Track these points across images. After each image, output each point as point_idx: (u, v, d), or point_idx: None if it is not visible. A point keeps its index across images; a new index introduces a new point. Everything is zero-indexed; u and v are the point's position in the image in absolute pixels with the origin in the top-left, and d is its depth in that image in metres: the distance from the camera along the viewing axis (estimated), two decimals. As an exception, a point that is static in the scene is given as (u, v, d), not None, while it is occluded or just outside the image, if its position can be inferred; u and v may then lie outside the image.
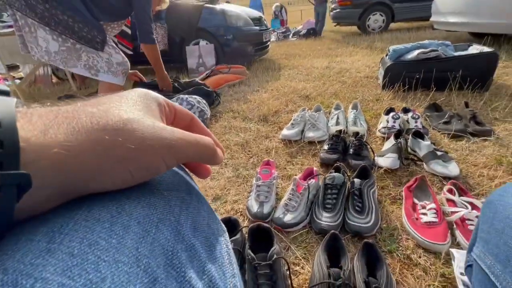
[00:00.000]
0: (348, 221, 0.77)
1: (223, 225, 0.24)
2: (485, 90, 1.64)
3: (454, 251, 0.66)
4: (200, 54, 3.14)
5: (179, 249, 0.18)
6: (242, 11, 3.33)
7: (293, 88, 2.21)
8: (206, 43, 3.18)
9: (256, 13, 3.61)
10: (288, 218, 0.81)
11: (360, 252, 0.64)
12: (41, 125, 0.14)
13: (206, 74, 2.63)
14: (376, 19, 5.44)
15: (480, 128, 1.19)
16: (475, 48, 1.77)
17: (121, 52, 1.39)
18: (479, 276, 0.29)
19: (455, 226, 0.74)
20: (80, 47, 1.25)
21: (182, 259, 0.17)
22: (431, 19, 3.55)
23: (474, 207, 0.76)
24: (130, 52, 3.03)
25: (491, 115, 1.36)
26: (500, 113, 1.37)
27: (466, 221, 0.73)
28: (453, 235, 0.73)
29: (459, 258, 0.63)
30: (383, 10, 5.30)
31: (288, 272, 0.61)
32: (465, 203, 0.77)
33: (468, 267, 0.34)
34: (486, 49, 1.68)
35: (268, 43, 3.79)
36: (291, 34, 6.63)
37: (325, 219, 0.78)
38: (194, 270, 0.18)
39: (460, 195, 0.82)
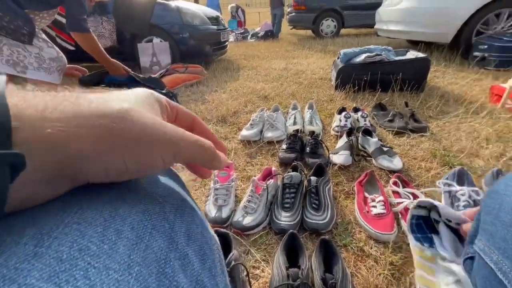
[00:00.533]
0: (306, 219, 0.79)
1: (215, 235, 0.24)
2: (421, 91, 1.84)
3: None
4: (154, 52, 2.97)
5: (172, 258, 0.18)
6: (198, 9, 3.24)
7: (252, 89, 2.22)
8: (160, 41, 3.01)
9: (213, 12, 3.54)
10: (248, 220, 0.79)
11: (317, 249, 0.65)
12: (35, 104, 0.13)
13: (161, 74, 2.49)
14: (328, 25, 5.77)
15: (418, 125, 1.33)
16: (412, 54, 1.98)
17: (55, 47, 1.23)
18: (483, 271, 0.27)
19: (400, 216, 0.81)
20: (0, 39, 1.06)
21: (175, 267, 0.17)
22: (375, 26, 3.90)
23: (415, 197, 0.83)
24: (72, 48, 2.72)
25: (426, 113, 1.53)
26: (433, 111, 1.55)
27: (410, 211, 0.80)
28: (398, 225, 0.79)
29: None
30: (335, 17, 5.65)
31: (247, 278, 0.59)
32: (408, 194, 0.84)
33: (468, 260, 0.31)
34: (420, 54, 1.89)
35: (227, 43, 3.74)
36: (250, 35, 6.68)
37: (284, 218, 0.78)
38: (187, 280, 0.18)
39: (403, 186, 0.90)
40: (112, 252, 0.14)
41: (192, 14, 3.05)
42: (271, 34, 6.24)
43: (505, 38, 2.26)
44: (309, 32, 6.40)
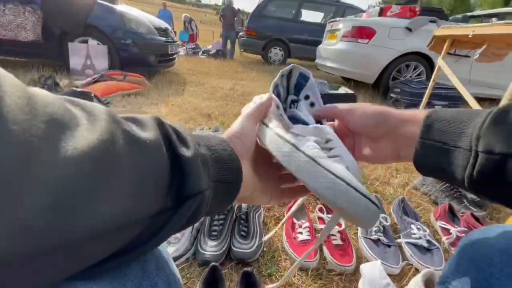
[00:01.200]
0: (233, 248, 0.75)
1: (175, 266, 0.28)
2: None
3: (363, 266, 0.72)
4: (88, 54, 2.68)
5: (145, 285, 0.22)
6: (145, 17, 3.10)
7: (195, 106, 2.16)
8: (98, 43, 2.75)
9: (162, 24, 3.43)
10: (170, 251, 0.72)
11: (239, 282, 0.62)
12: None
13: (94, 79, 2.24)
14: (276, 53, 6.19)
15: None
16: (343, 89, 2.24)
17: None
18: None
19: (323, 242, 0.84)
20: None
21: None
22: (316, 61, 4.34)
23: (337, 223, 0.89)
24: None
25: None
26: (357, 142, 1.74)
27: (331, 236, 0.84)
28: (321, 250, 0.82)
29: (368, 270, 0.70)
30: (282, 46, 6.11)
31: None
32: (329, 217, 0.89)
33: None
34: (349, 91, 2.15)
35: (175, 56, 3.64)
36: (201, 52, 6.68)
37: (210, 248, 0.74)
38: None
39: (327, 212, 0.95)
40: (100, 280, 0.19)
41: (137, 22, 2.90)
42: (222, 53, 6.36)
43: (412, 85, 2.76)
44: (259, 57, 6.75)
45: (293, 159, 0.27)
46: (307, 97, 0.37)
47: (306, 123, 0.33)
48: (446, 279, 0.34)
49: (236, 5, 6.89)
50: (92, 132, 0.15)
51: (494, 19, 3.12)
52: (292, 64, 0.36)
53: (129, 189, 0.16)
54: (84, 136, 0.15)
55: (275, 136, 0.30)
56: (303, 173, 0.26)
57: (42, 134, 0.13)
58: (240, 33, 6.62)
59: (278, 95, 0.35)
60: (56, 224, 0.13)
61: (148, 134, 0.19)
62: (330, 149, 0.29)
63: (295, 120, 0.33)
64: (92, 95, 1.76)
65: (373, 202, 0.25)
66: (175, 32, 7.72)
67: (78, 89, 1.83)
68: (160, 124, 0.21)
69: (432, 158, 0.27)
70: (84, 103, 0.17)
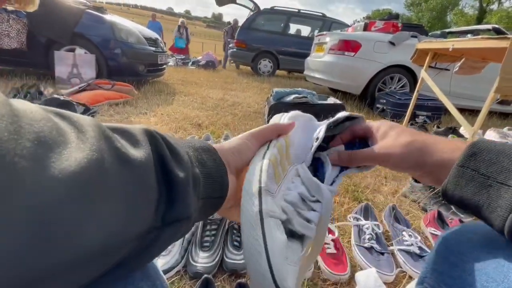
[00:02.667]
0: (226, 259, 0.73)
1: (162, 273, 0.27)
2: (338, 132, 2.11)
3: (358, 274, 0.71)
4: (75, 63, 2.63)
5: None
6: (135, 27, 3.10)
7: (185, 115, 2.14)
8: (85, 52, 2.71)
9: (152, 34, 3.44)
10: (160, 264, 0.69)
11: (233, 295, 0.59)
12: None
13: (80, 87, 2.19)
14: (265, 64, 6.30)
15: (335, 162, 1.48)
16: (331, 100, 2.29)
17: None
18: None
19: (317, 251, 0.83)
20: None
21: None
22: (304, 72, 4.44)
23: (329, 231, 0.88)
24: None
25: (342, 152, 1.73)
26: (347, 150, 1.77)
27: (325, 245, 0.83)
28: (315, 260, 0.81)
29: (364, 279, 0.69)
30: (271, 58, 6.23)
31: None
32: (324, 229, 0.89)
33: None
34: (337, 101, 2.20)
35: (165, 66, 3.64)
36: (191, 63, 6.71)
37: (202, 260, 0.71)
38: None
39: (320, 221, 0.95)
40: None
41: (127, 31, 2.89)
42: (211, 65, 6.41)
43: (397, 96, 2.86)
44: (249, 68, 6.84)
45: (249, 203, 0.25)
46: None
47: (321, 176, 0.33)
48: (424, 278, 0.34)
49: (226, 19, 7.01)
50: (82, 150, 0.14)
51: (469, 35, 3.33)
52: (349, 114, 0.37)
53: (116, 211, 0.15)
54: (73, 155, 0.14)
55: (258, 167, 0.28)
56: (245, 223, 0.25)
57: (28, 155, 0.12)
58: (230, 45, 6.72)
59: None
60: (40, 252, 0.12)
61: (139, 152, 0.18)
62: (310, 209, 0.29)
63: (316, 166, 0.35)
64: (75, 103, 1.71)
65: None
66: (164, 43, 7.70)
67: (61, 97, 1.78)
68: (152, 138, 0.21)
69: (468, 190, 0.25)
70: (73, 116, 0.16)
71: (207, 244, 0.75)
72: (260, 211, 0.24)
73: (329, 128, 0.35)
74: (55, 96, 1.83)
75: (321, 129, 0.35)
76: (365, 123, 0.36)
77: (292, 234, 0.28)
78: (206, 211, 0.26)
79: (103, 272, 0.17)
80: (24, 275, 0.12)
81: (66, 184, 0.13)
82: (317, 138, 0.34)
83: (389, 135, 0.32)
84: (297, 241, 0.28)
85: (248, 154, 0.30)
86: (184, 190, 0.21)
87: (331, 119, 0.35)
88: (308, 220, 0.28)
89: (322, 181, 0.32)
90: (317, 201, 0.29)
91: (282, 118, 0.37)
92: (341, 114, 0.35)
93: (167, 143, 0.22)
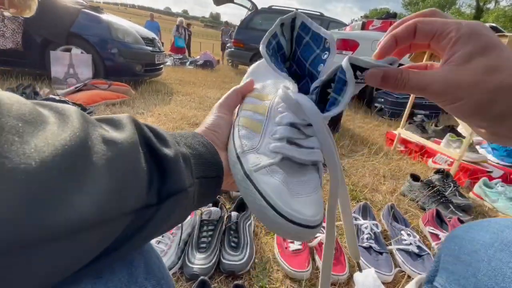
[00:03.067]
0: (223, 260, 0.72)
1: (170, 274, 0.28)
2: (336, 131, 2.10)
3: (357, 274, 0.71)
4: (71, 63, 2.61)
5: None
6: (132, 27, 3.08)
7: (183, 115, 2.13)
8: (82, 52, 2.69)
9: (149, 33, 3.42)
10: (155, 265, 0.68)
11: (230, 297, 0.58)
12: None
13: (76, 87, 2.17)
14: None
15: (333, 161, 1.48)
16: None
17: None
18: None
19: (315, 251, 0.82)
20: None
21: None
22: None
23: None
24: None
25: (340, 152, 1.73)
26: (345, 150, 1.77)
27: (323, 246, 0.82)
28: (313, 259, 0.80)
29: (362, 279, 0.68)
30: (269, 58, 6.22)
31: None
32: (322, 229, 0.88)
33: None
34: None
35: (162, 66, 3.62)
36: (188, 62, 6.68)
37: (198, 261, 0.70)
38: None
39: (319, 221, 0.94)
40: (78, 283, 0.18)
41: (124, 31, 2.87)
42: (209, 64, 6.39)
43: (395, 95, 2.86)
44: (247, 67, 6.83)
45: (235, 170, 0.27)
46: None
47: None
48: (432, 277, 0.33)
49: (224, 18, 7.00)
50: (64, 130, 0.15)
51: (467, 34, 3.34)
52: (295, 12, 0.30)
53: (104, 185, 0.16)
54: (56, 133, 0.14)
55: (231, 137, 0.30)
56: (239, 187, 0.26)
57: (11, 130, 0.13)
58: (228, 45, 6.70)
59: (279, 48, 0.31)
60: (30, 218, 0.12)
61: (123, 133, 0.19)
62: (306, 136, 0.27)
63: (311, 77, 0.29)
64: (71, 104, 1.70)
65: (295, 223, 0.22)
66: (162, 43, 7.66)
67: (57, 97, 1.77)
68: (135, 123, 0.21)
69: None
70: (54, 104, 0.17)
71: (204, 245, 0.74)
72: (245, 173, 0.26)
73: (281, 25, 0.30)
74: (51, 96, 1.82)
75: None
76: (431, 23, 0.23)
77: (304, 166, 0.28)
78: (206, 192, 0.26)
79: (104, 245, 0.17)
80: (16, 238, 0.12)
81: (51, 156, 0.13)
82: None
83: (475, 61, 0.20)
84: (311, 170, 0.28)
85: (226, 126, 0.31)
86: (174, 165, 0.21)
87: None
88: (310, 147, 0.27)
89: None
90: (310, 124, 0.27)
91: (243, 80, 0.38)
92: (295, 13, 0.29)
93: (150, 128, 0.23)
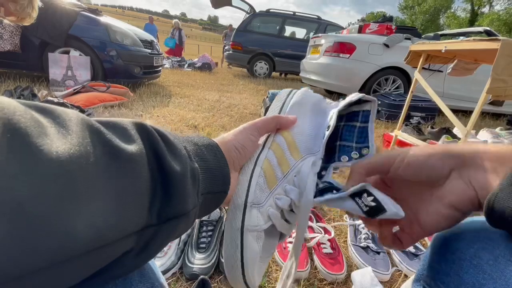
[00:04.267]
0: (222, 260, 0.73)
1: (163, 276, 0.28)
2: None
3: (354, 273, 0.72)
4: (69, 65, 2.61)
5: None
6: (130, 30, 3.09)
7: (181, 117, 2.14)
8: (80, 55, 2.69)
9: (147, 36, 3.43)
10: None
11: (230, 296, 0.59)
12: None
13: (75, 89, 2.17)
14: (261, 66, 6.33)
15: (331, 163, 1.49)
16: (329, 101, 2.31)
17: None
18: None
19: (313, 251, 0.83)
20: None
21: None
22: (300, 74, 4.47)
23: (326, 231, 0.88)
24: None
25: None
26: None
27: (321, 245, 0.84)
28: (312, 260, 0.81)
29: (359, 278, 0.69)
30: (267, 60, 6.26)
31: None
32: (320, 229, 0.89)
33: None
34: (333, 102, 2.21)
35: (160, 68, 3.63)
36: (186, 65, 6.70)
37: (198, 261, 0.71)
38: None
39: (317, 221, 0.95)
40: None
41: (122, 33, 2.88)
42: (207, 67, 6.41)
43: (391, 98, 2.89)
44: (245, 70, 6.86)
45: (234, 214, 0.28)
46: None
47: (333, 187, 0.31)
48: (420, 276, 0.34)
49: (222, 21, 7.03)
50: (62, 143, 0.14)
51: (462, 37, 3.39)
52: (375, 99, 0.32)
53: (105, 207, 0.15)
54: (53, 148, 0.13)
55: (249, 175, 0.29)
56: (227, 228, 0.28)
57: (0, 147, 0.11)
58: (226, 47, 6.73)
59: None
60: (19, 248, 0.12)
61: (131, 146, 0.18)
62: (292, 211, 0.30)
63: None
64: (69, 106, 1.70)
65: (247, 287, 0.27)
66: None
67: (55, 100, 1.77)
68: (145, 131, 0.20)
69: None
70: (56, 110, 0.15)
71: (204, 245, 0.75)
72: (242, 227, 0.27)
73: (340, 114, 0.32)
74: (49, 98, 1.82)
75: (331, 116, 0.32)
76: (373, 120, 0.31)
77: (269, 231, 0.30)
78: (208, 206, 0.26)
79: (98, 269, 0.17)
80: (7, 270, 0.11)
81: (44, 177, 0.12)
82: (329, 126, 0.31)
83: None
84: (274, 236, 0.31)
85: (251, 150, 0.30)
86: (181, 185, 0.20)
87: (342, 103, 0.32)
88: (287, 221, 0.30)
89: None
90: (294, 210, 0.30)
91: (287, 99, 0.36)
92: (353, 96, 0.31)
93: (162, 136, 0.21)
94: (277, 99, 0.36)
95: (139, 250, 0.19)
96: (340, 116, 0.33)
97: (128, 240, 0.17)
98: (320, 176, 0.32)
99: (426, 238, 0.96)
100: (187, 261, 0.71)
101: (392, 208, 0.25)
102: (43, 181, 0.12)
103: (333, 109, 0.33)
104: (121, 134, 0.18)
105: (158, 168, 0.19)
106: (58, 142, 0.14)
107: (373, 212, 0.26)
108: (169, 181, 0.19)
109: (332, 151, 0.33)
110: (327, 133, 0.31)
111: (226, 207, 0.92)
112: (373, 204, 0.26)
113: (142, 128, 0.20)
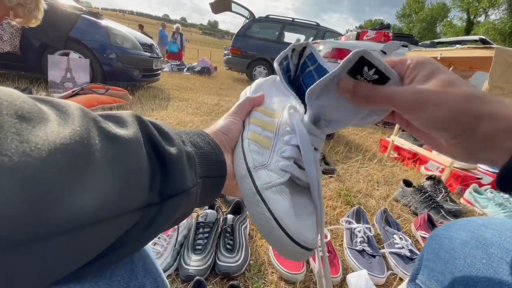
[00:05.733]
0: (218, 262, 0.73)
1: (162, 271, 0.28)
2: (331, 138, 2.13)
3: (350, 276, 0.72)
4: (69, 67, 2.62)
5: (132, 286, 0.22)
6: (130, 33, 3.11)
7: (180, 120, 2.15)
8: (80, 57, 2.70)
9: (147, 40, 3.45)
10: (151, 267, 0.68)
11: (225, 297, 0.59)
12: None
13: (73, 91, 2.18)
14: (260, 71, 6.37)
15: (328, 167, 1.50)
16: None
17: None
18: None
19: (309, 254, 0.83)
20: None
21: None
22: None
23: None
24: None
25: (335, 157, 1.76)
26: (340, 156, 1.79)
27: (317, 248, 0.84)
28: (308, 263, 0.81)
29: (355, 281, 0.70)
30: (266, 65, 6.30)
31: None
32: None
33: None
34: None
35: (159, 71, 3.64)
36: (186, 69, 6.73)
37: (194, 263, 0.71)
38: None
39: (313, 224, 0.95)
40: (82, 279, 0.18)
41: (122, 37, 2.90)
42: (207, 71, 6.44)
43: (388, 103, 2.92)
44: (244, 74, 6.90)
45: (244, 184, 0.28)
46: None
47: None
48: (415, 275, 0.35)
49: (222, 26, 7.09)
50: (64, 127, 0.15)
51: (457, 45, 3.45)
52: (307, 42, 0.30)
53: (106, 183, 0.16)
54: (55, 130, 0.14)
55: (240, 149, 0.30)
56: (247, 201, 0.27)
57: (8, 127, 0.13)
58: (225, 52, 6.78)
59: (287, 70, 0.32)
60: (30, 214, 0.12)
61: (126, 131, 0.19)
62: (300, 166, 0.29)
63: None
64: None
65: (300, 245, 0.24)
66: (166, 51, 7.72)
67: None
68: (139, 120, 0.21)
69: None
70: (56, 100, 0.17)
71: (200, 247, 0.75)
72: (257, 190, 0.26)
73: (293, 51, 0.31)
74: (48, 99, 1.82)
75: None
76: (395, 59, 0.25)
77: (301, 188, 0.30)
78: (209, 191, 0.26)
79: (108, 242, 0.18)
80: (17, 235, 0.12)
81: (51, 154, 0.13)
82: (289, 75, 0.32)
83: (435, 77, 0.22)
84: (307, 193, 0.29)
85: (236, 131, 0.32)
86: (177, 165, 0.21)
87: (279, 57, 0.31)
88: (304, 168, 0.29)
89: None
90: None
91: (247, 91, 0.39)
92: (285, 51, 0.30)
93: (154, 125, 0.22)
94: (241, 96, 0.39)
95: (146, 225, 0.20)
96: (295, 76, 0.32)
97: (132, 216, 0.18)
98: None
99: (421, 242, 0.96)
100: (183, 263, 0.71)
101: (396, 75, 0.23)
102: (50, 155, 0.13)
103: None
104: (116, 121, 0.20)
105: (154, 152, 0.20)
106: (60, 126, 0.15)
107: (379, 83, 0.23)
108: (166, 162, 0.20)
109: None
110: (287, 76, 0.31)
111: (224, 210, 0.92)
112: (376, 77, 0.23)
113: (136, 117, 0.21)
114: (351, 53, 0.23)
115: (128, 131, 0.19)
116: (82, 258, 0.17)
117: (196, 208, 0.99)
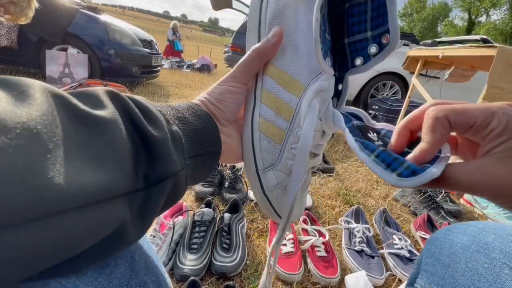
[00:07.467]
0: (214, 262, 0.72)
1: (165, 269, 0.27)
2: (331, 137, 2.12)
3: (348, 277, 0.71)
4: (67, 62, 2.59)
5: (133, 284, 0.22)
6: (129, 29, 3.08)
7: (178, 117, 2.13)
8: (78, 52, 2.68)
9: (146, 36, 3.43)
10: (145, 266, 0.67)
11: (220, 298, 0.58)
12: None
13: (71, 87, 2.16)
14: (260, 69, 6.35)
15: (327, 166, 1.49)
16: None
17: None
18: None
19: (307, 253, 0.82)
20: None
21: None
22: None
23: (320, 234, 0.88)
24: None
25: (334, 156, 1.74)
26: (339, 155, 1.78)
27: (315, 248, 0.83)
28: (305, 263, 0.80)
29: (353, 282, 0.69)
30: (266, 63, 6.29)
31: None
32: (314, 231, 0.88)
33: None
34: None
35: (159, 68, 3.62)
36: (186, 66, 6.70)
37: (189, 262, 0.69)
38: None
39: (311, 224, 0.94)
40: (81, 275, 0.18)
41: (121, 32, 2.87)
42: (207, 68, 6.41)
43: (389, 102, 2.90)
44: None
45: (252, 180, 0.29)
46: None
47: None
48: (414, 279, 0.34)
49: (222, 23, 7.05)
50: (19, 107, 0.13)
51: (459, 45, 3.43)
52: None
53: (82, 165, 0.14)
54: (5, 112, 0.12)
55: (249, 140, 0.28)
56: (256, 197, 0.30)
57: None
58: (225, 49, 6.74)
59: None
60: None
61: (101, 111, 0.17)
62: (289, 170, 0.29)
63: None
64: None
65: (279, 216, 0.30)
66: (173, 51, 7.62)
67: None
68: (117, 98, 0.19)
69: None
70: (13, 79, 0.15)
71: (195, 246, 0.74)
72: (263, 191, 0.29)
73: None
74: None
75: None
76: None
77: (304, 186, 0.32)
78: (201, 169, 0.25)
79: (102, 232, 0.16)
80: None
81: (8, 134, 0.12)
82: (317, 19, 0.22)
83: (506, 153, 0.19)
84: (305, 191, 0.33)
85: (234, 103, 0.27)
86: (163, 148, 0.19)
87: None
88: (315, 154, 0.31)
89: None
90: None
91: (262, 8, 0.26)
92: None
93: (135, 102, 0.20)
94: (250, 10, 0.26)
95: (135, 213, 0.18)
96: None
97: (118, 202, 0.16)
98: (337, 93, 0.28)
99: (420, 243, 0.95)
100: (178, 262, 0.70)
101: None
102: (7, 137, 0.12)
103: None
104: (89, 100, 0.18)
105: (136, 132, 0.19)
106: (14, 106, 0.13)
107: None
108: (150, 144, 0.19)
109: (342, 55, 0.25)
110: (314, 26, 0.21)
111: (222, 209, 0.90)
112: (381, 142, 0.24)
113: (114, 95, 0.19)
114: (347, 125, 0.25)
115: (102, 111, 0.17)
116: (78, 242, 0.15)
117: (193, 207, 0.98)
